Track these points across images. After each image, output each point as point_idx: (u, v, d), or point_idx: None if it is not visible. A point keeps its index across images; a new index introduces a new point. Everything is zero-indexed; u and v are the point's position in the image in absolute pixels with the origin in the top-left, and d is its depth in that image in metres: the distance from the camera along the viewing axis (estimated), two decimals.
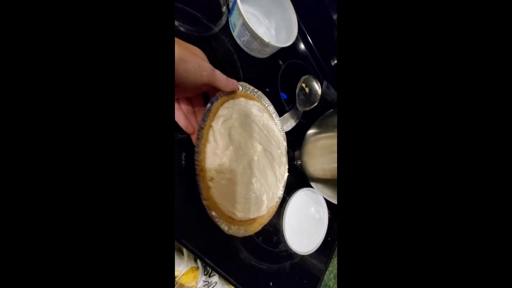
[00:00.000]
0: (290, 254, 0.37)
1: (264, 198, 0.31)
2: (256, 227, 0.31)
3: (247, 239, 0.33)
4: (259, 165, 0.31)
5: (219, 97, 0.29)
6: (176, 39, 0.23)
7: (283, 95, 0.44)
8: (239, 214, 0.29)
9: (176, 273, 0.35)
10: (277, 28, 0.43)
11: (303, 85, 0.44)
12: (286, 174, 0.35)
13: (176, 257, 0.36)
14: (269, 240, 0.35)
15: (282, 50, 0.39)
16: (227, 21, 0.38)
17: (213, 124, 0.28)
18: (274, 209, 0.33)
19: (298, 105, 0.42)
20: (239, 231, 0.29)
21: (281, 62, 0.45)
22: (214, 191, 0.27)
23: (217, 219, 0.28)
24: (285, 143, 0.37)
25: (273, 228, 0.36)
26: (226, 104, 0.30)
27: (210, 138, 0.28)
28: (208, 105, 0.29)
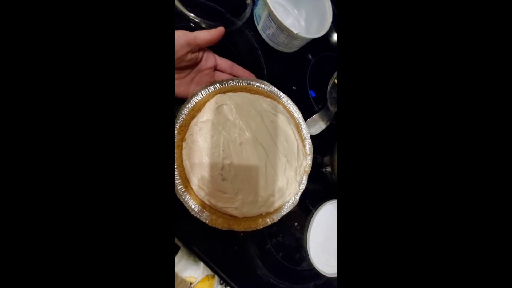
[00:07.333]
0: (314, 274, 0.33)
1: (240, 195, 0.25)
2: (220, 223, 0.25)
3: (266, 254, 0.30)
4: (241, 150, 0.25)
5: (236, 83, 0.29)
6: None
7: (312, 93, 0.39)
8: (200, 192, 0.25)
9: (192, 279, 0.34)
10: (308, 18, 0.39)
11: (336, 81, 0.39)
12: (292, 195, 0.29)
13: (193, 264, 0.35)
14: (290, 256, 0.32)
15: (313, 42, 0.35)
16: (251, 14, 0.35)
17: (209, 99, 0.27)
18: (262, 222, 0.27)
19: (329, 105, 0.37)
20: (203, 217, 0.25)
21: (310, 56, 0.40)
22: (184, 153, 0.25)
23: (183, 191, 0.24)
24: (305, 162, 0.30)
25: (296, 244, 0.32)
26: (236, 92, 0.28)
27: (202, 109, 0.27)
28: (217, 84, 0.28)
